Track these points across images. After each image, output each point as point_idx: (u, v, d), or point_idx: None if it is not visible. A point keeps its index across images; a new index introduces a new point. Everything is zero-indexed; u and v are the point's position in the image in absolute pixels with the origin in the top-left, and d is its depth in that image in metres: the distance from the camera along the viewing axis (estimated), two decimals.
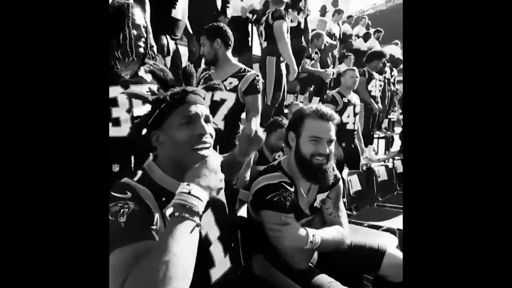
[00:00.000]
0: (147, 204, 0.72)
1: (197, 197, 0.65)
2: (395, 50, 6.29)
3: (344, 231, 1.23)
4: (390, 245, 1.30)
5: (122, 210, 0.65)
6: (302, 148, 1.17)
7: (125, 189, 0.72)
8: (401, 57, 6.08)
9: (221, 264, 0.85)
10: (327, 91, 4.88)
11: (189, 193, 0.65)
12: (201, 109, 0.82)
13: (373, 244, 1.28)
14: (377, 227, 2.09)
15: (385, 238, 1.86)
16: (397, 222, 2.11)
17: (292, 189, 1.18)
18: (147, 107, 1.20)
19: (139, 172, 0.81)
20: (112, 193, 0.70)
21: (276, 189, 1.12)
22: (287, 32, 2.95)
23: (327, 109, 1.17)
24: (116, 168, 1.25)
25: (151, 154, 1.32)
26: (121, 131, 1.22)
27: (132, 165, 1.24)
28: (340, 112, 2.92)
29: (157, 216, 0.72)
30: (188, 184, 0.66)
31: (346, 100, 3.03)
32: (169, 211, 0.63)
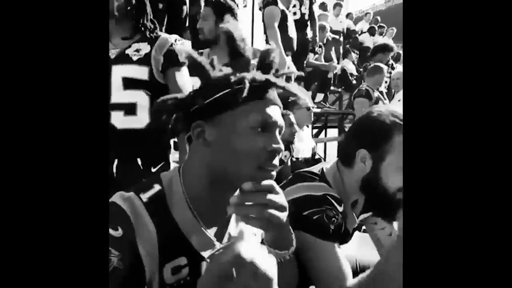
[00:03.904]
0: (140, 263, 0.52)
1: None
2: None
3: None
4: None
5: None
6: (386, 178, 0.81)
7: (117, 222, 0.51)
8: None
9: None
10: (331, 87, 4.81)
11: None
12: (279, 115, 0.59)
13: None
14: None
15: None
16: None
17: (341, 208, 0.85)
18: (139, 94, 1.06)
19: (155, 188, 0.58)
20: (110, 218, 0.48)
21: (318, 204, 0.81)
22: (286, 20, 2.78)
23: None
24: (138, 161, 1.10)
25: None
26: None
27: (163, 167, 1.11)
28: None
29: (148, 276, 0.52)
30: None
31: (377, 94, 2.97)
32: None
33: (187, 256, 0.57)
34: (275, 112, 0.58)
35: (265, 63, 0.61)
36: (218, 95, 0.56)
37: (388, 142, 0.80)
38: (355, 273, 1.01)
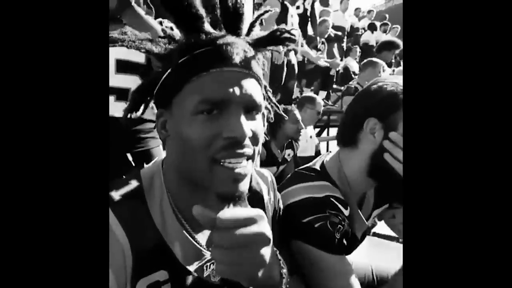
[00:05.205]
0: None
1: None
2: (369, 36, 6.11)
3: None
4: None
5: None
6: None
7: None
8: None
9: None
10: (334, 85, 4.72)
11: None
12: (247, 89, 0.44)
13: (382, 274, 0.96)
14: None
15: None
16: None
17: (347, 212, 0.72)
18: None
19: (132, 184, 0.48)
20: None
21: (321, 209, 0.68)
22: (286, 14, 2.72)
23: None
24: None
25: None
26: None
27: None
28: None
29: None
30: None
31: None
32: None
33: (168, 269, 0.47)
34: (234, 84, 0.43)
35: (229, 11, 0.46)
36: (170, 70, 0.46)
37: (399, 110, 0.69)
38: (372, 286, 0.91)
